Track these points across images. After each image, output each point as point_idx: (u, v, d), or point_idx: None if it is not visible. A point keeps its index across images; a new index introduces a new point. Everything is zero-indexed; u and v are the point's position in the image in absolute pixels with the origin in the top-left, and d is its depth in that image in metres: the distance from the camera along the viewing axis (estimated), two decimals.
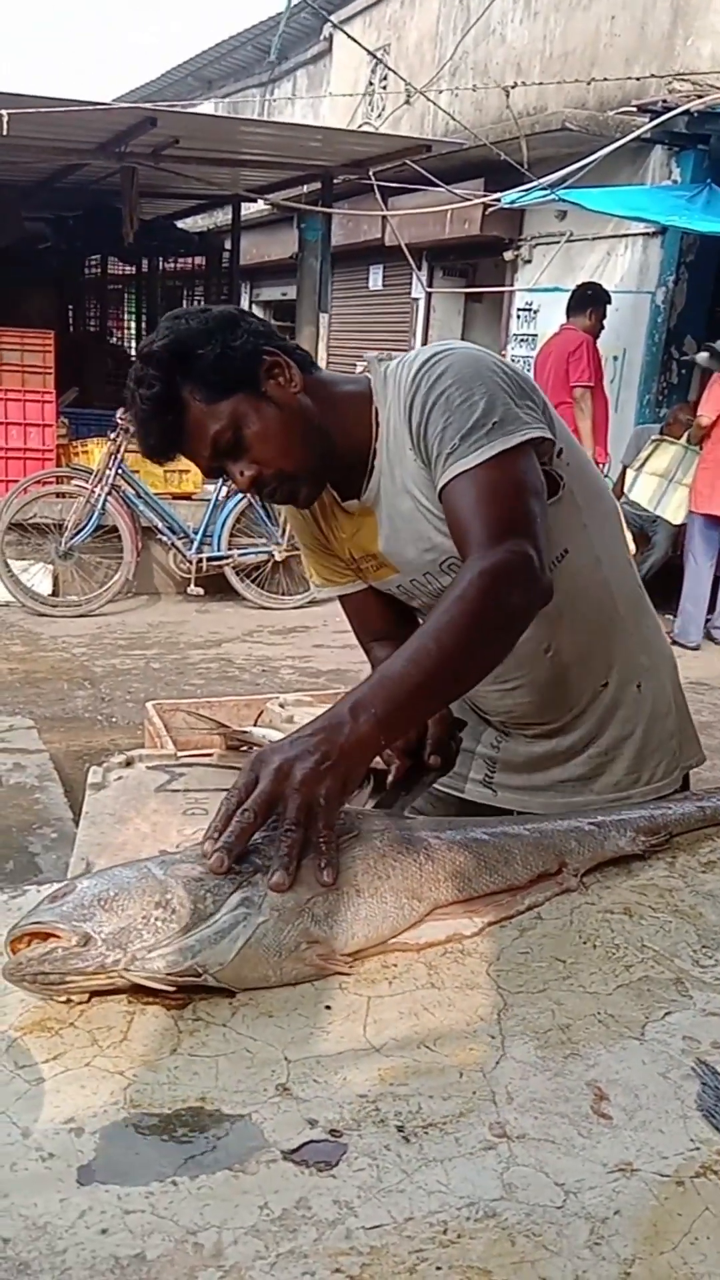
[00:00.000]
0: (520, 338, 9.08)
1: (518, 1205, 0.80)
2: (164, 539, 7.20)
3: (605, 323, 6.84)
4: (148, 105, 7.33)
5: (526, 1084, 0.94)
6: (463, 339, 10.82)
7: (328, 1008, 1.04)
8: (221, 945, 1.02)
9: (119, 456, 6.93)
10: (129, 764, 2.97)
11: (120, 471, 6.95)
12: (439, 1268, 0.74)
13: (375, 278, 11.54)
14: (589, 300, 6.78)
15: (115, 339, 12.98)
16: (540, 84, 8.55)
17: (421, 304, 10.78)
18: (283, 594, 7.44)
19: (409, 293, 10.98)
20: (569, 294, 6.96)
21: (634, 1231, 0.78)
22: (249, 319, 1.45)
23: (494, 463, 1.33)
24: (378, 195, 7.81)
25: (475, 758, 1.73)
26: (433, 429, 1.38)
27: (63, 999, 1.02)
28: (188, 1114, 0.89)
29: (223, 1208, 0.79)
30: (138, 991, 1.04)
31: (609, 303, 6.83)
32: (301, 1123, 0.88)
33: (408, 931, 1.15)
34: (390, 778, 1.47)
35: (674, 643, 6.56)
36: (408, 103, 9.84)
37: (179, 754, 3.12)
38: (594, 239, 8.20)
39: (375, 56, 9.90)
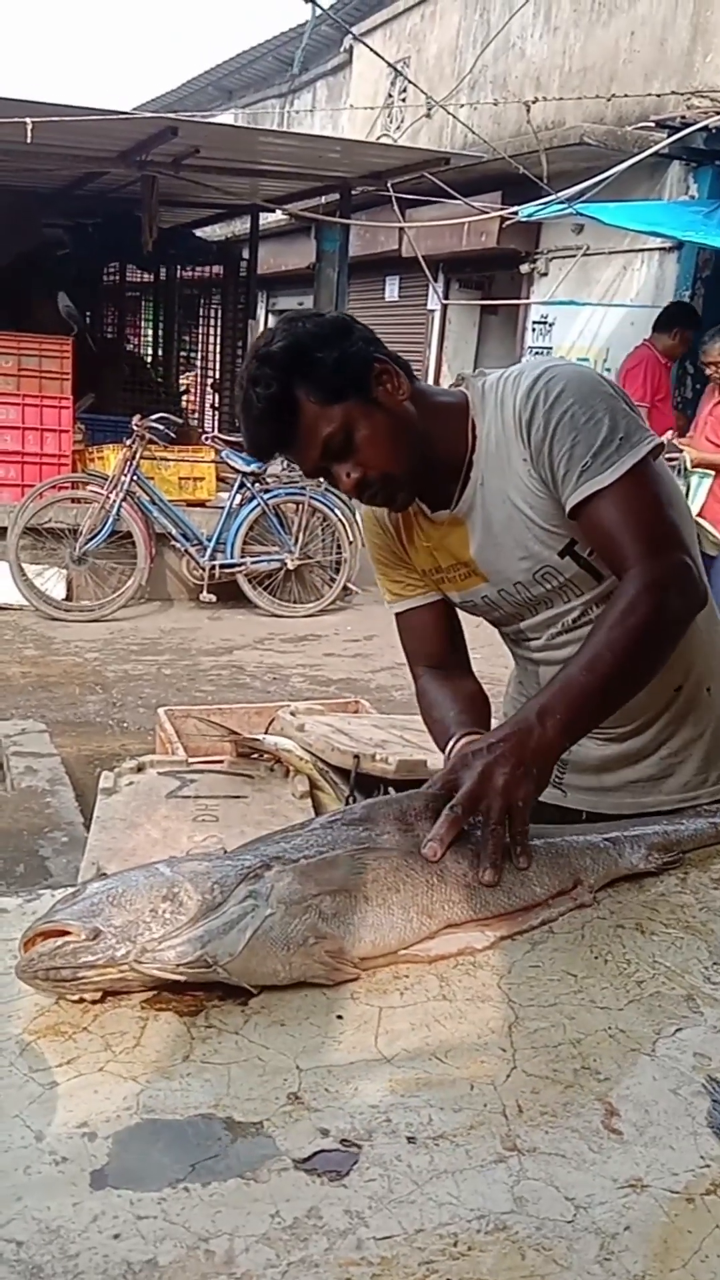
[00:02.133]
0: (535, 350, 9.09)
1: (528, 1219, 0.80)
2: (177, 545, 7.22)
3: (688, 344, 6.60)
4: (169, 115, 7.38)
5: (537, 1098, 0.94)
6: (478, 352, 10.85)
7: (339, 1017, 1.04)
8: (230, 936, 1.03)
9: (134, 463, 6.96)
10: (140, 770, 2.98)
11: (135, 478, 6.98)
12: (449, 1279, 0.74)
13: (392, 289, 11.57)
14: (674, 319, 6.62)
15: (132, 346, 13.03)
16: (559, 99, 8.57)
17: (437, 316, 10.80)
18: (294, 602, 7.45)
19: (425, 304, 11.00)
20: (658, 313, 6.77)
21: (644, 1248, 0.78)
22: (359, 326, 1.50)
23: (629, 477, 1.41)
24: (395, 207, 7.83)
25: None
26: (559, 447, 1.44)
27: (75, 998, 1.03)
28: (200, 1121, 0.89)
29: (234, 1215, 0.79)
30: (150, 999, 1.05)
31: (697, 326, 6.60)
32: (313, 1131, 0.88)
33: (419, 944, 1.15)
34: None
35: None
36: (427, 115, 9.88)
37: (190, 760, 3.13)
38: (610, 253, 8.21)
39: (395, 69, 9.92)
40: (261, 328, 13.13)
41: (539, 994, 1.10)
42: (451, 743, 1.54)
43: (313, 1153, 0.86)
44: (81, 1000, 1.03)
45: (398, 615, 1.76)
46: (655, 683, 1.57)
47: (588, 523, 1.45)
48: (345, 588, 7.59)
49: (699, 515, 6.32)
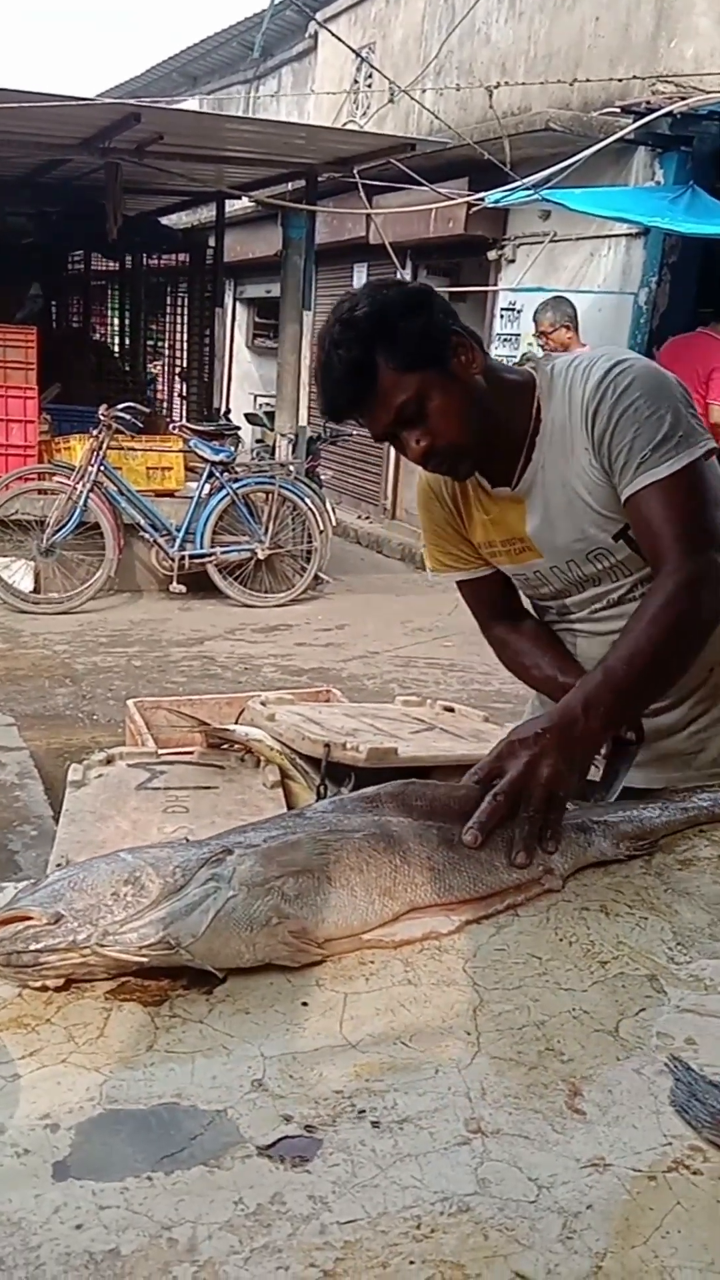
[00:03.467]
0: (504, 337, 9.09)
1: (491, 1200, 0.81)
2: (146, 536, 7.18)
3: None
4: (131, 101, 7.30)
5: (501, 1080, 0.94)
6: None
7: (304, 1004, 1.04)
8: (193, 918, 1.03)
9: (101, 453, 6.91)
10: (110, 762, 2.96)
11: (102, 468, 6.93)
12: (412, 1262, 0.74)
13: (360, 276, 11.51)
14: None
15: (98, 336, 12.92)
16: (524, 84, 8.56)
17: None
18: (265, 592, 7.43)
19: None
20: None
21: (606, 1226, 0.79)
22: (439, 298, 1.55)
23: (682, 474, 1.48)
24: (362, 193, 7.80)
25: None
26: (620, 437, 1.51)
27: (38, 985, 1.02)
28: (163, 1110, 0.89)
29: (197, 1203, 0.79)
30: (114, 990, 1.04)
31: None
32: (277, 1118, 0.88)
33: (384, 928, 1.15)
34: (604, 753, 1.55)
35: None
36: (391, 101, 9.83)
37: (160, 752, 3.11)
38: (577, 239, 8.21)
39: (359, 55, 9.88)
40: (229, 316, 13.09)
41: (504, 977, 1.10)
42: (562, 687, 1.60)
43: (276, 1139, 0.86)
44: (45, 989, 1.03)
45: (459, 584, 1.84)
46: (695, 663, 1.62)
47: (636, 512, 1.52)
48: (316, 577, 7.59)
49: None
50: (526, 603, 1.87)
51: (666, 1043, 1.01)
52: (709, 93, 6.96)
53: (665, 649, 1.45)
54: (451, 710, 3.32)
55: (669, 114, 6.81)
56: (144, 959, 1.02)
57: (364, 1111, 0.89)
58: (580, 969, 1.12)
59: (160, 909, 1.03)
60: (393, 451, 8.88)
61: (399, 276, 10.13)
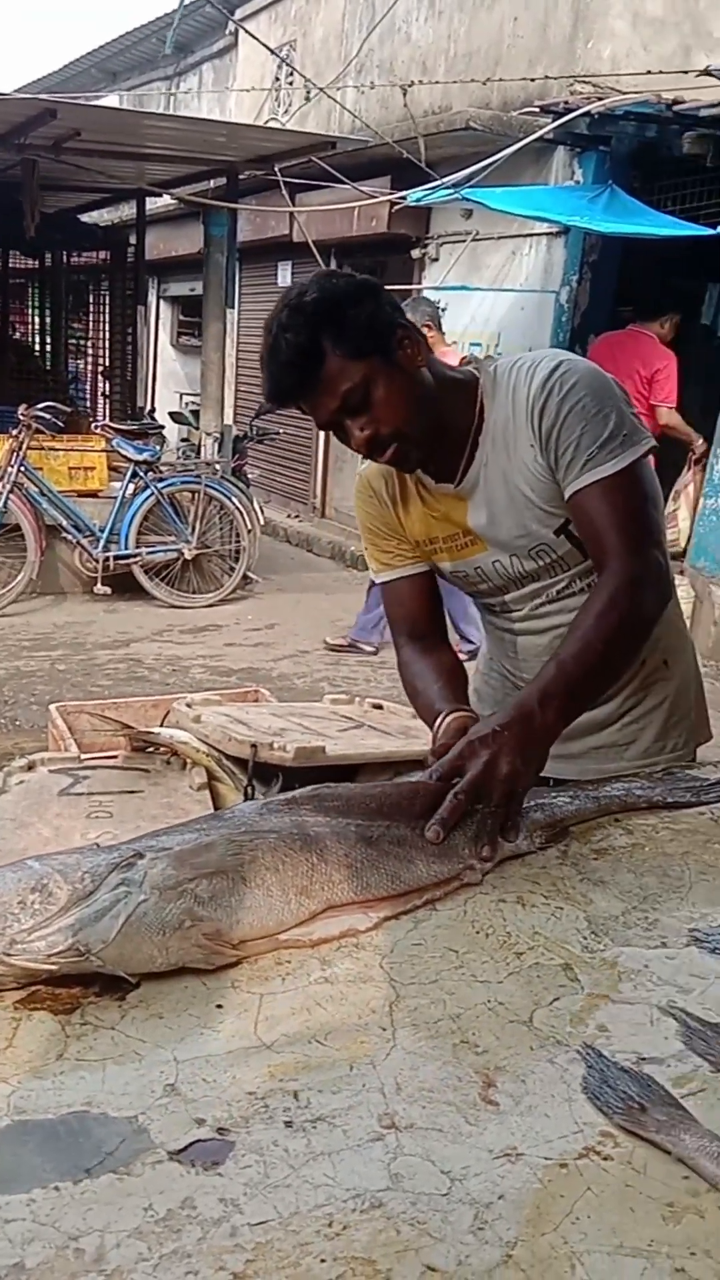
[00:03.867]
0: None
1: (403, 1194, 0.81)
2: (69, 537, 7.07)
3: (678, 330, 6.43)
4: (46, 97, 7.19)
5: (416, 1074, 0.95)
6: None
7: (219, 1006, 1.03)
8: (102, 923, 1.02)
9: (21, 453, 6.79)
10: (31, 768, 2.90)
11: (22, 468, 6.81)
12: (323, 1260, 0.74)
13: (284, 274, 11.48)
14: (661, 306, 6.44)
15: (18, 335, 12.70)
16: (444, 83, 8.61)
17: None
18: (193, 592, 7.37)
19: None
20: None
21: (517, 1214, 0.79)
22: (386, 292, 1.57)
23: (626, 472, 1.53)
24: (284, 191, 7.77)
25: None
26: (567, 433, 1.54)
27: None
28: (72, 1119, 0.87)
29: (106, 1211, 0.78)
30: (24, 999, 1.02)
31: (683, 309, 6.50)
32: (189, 1122, 0.87)
33: (301, 927, 1.15)
34: None
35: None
36: (306, 99, 9.81)
37: (83, 757, 3.06)
38: (499, 238, 8.28)
39: (276, 54, 9.84)
40: (153, 314, 12.95)
41: (420, 971, 1.10)
42: (440, 720, 1.63)
43: (188, 1143, 0.85)
44: None
45: (383, 585, 1.84)
46: None
47: (580, 508, 1.56)
48: (245, 576, 7.54)
49: None
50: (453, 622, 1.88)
51: (580, 1031, 1.02)
52: (625, 93, 7.06)
53: (613, 644, 1.50)
54: (380, 707, 3.32)
55: (587, 114, 6.88)
56: (53, 967, 1.00)
57: (277, 1112, 0.89)
58: (496, 961, 1.13)
59: (69, 916, 1.01)
60: (321, 450, 8.82)
61: None
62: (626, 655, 1.57)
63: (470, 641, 6.19)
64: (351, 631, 6.43)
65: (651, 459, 1.60)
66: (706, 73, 6.60)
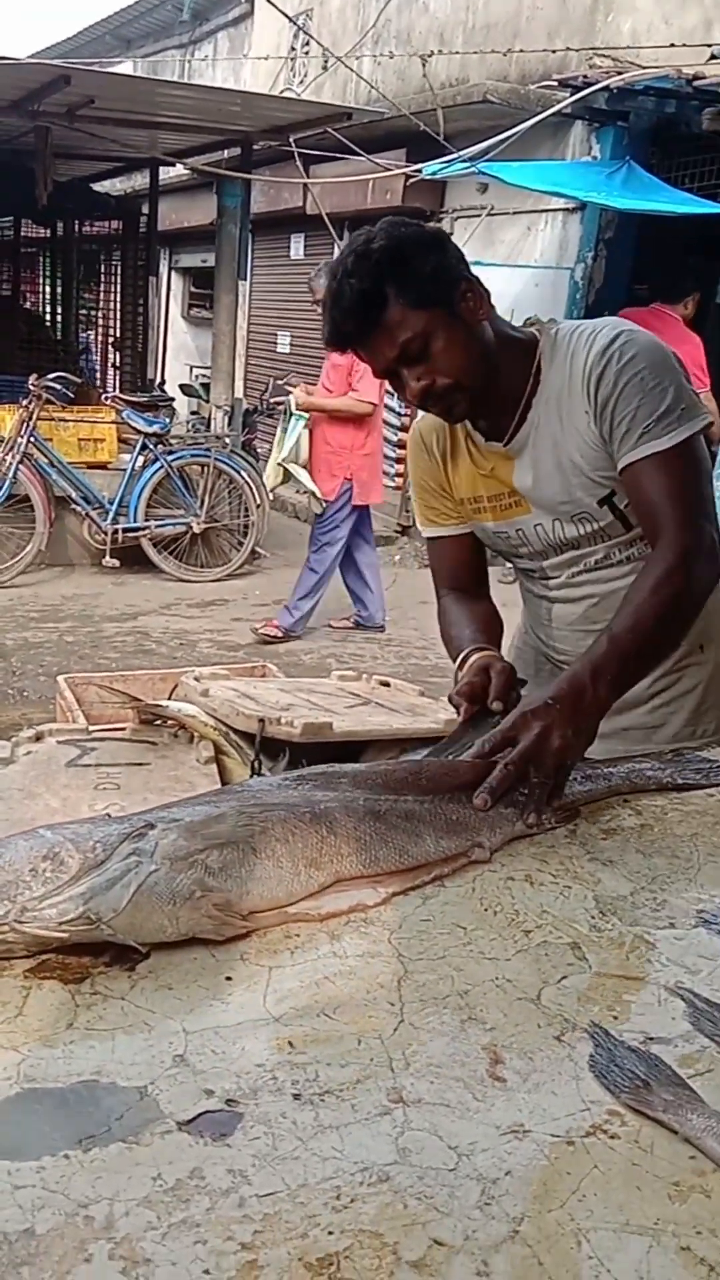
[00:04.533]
0: None
1: (410, 1169, 0.81)
2: (78, 509, 7.06)
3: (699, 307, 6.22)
4: (61, 63, 7.11)
5: (424, 1049, 0.95)
6: None
7: (228, 978, 1.04)
8: (113, 892, 1.02)
9: (31, 424, 6.78)
10: (39, 739, 2.90)
11: (32, 439, 6.80)
12: (330, 1232, 0.75)
13: (297, 247, 11.41)
14: (682, 286, 6.16)
15: (29, 304, 12.65)
16: (462, 54, 8.51)
17: None
18: (201, 566, 7.36)
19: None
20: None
21: (524, 1191, 0.80)
22: (453, 244, 1.57)
23: (683, 445, 1.53)
24: (298, 163, 7.70)
25: None
26: (624, 404, 1.54)
27: None
28: (82, 1088, 0.88)
29: (115, 1180, 0.78)
30: (34, 968, 1.03)
31: (707, 284, 6.29)
32: (198, 1093, 0.88)
33: (310, 900, 1.15)
34: (460, 719, 1.57)
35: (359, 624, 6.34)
36: (324, 68, 9.70)
37: (90, 728, 3.07)
38: (514, 213, 8.21)
39: (294, 22, 9.73)
40: (164, 285, 12.88)
41: (428, 947, 1.10)
42: (462, 655, 1.66)
43: (197, 1114, 0.85)
44: None
45: (429, 540, 1.86)
46: None
47: (635, 481, 1.56)
48: (253, 551, 7.53)
49: (302, 465, 6.05)
50: (494, 577, 1.88)
51: (587, 1009, 1.02)
52: (645, 68, 6.97)
53: (666, 619, 1.50)
54: (387, 685, 3.32)
55: (606, 88, 6.80)
56: (64, 935, 1.01)
57: (286, 1084, 0.89)
58: (504, 938, 1.13)
59: (80, 884, 1.01)
60: None
61: (335, 247, 10.06)
62: (678, 631, 1.57)
63: (296, 612, 6.09)
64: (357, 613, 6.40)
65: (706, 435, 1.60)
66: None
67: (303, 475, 6.07)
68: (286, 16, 9.08)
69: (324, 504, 5.97)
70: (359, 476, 5.94)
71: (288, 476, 6.13)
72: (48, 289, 12.51)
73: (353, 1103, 0.88)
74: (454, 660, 1.71)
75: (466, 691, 1.57)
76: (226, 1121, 0.85)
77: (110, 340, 11.70)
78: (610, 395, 1.55)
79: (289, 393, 6.15)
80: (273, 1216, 0.76)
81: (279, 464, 6.11)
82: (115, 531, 7.04)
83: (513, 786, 1.34)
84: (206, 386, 8.92)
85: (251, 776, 2.68)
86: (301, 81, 11.04)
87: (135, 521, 7.10)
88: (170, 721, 3.05)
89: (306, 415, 5.94)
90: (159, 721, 3.06)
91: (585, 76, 7.02)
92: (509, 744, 1.37)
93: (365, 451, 5.96)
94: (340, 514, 5.97)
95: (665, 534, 1.53)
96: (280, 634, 6.05)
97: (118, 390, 9.17)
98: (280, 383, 6.87)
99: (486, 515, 1.76)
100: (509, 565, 1.89)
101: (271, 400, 7.29)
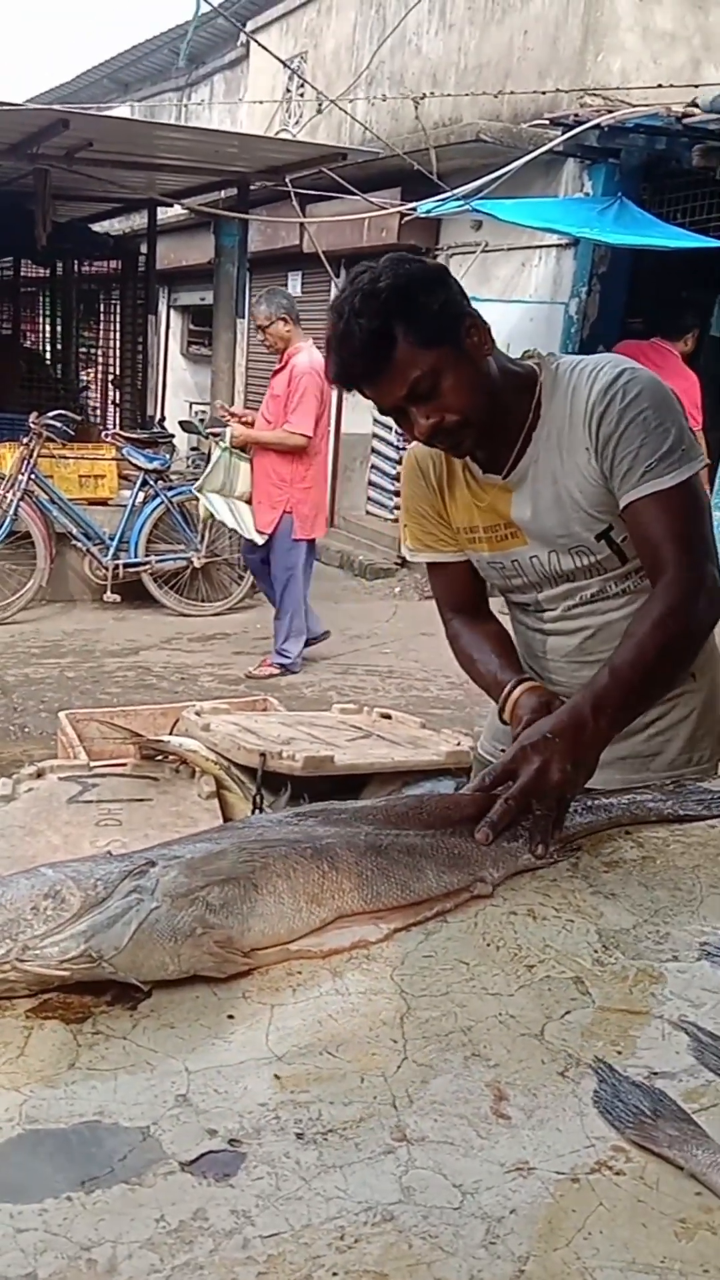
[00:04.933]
0: None
1: (415, 1208, 0.80)
2: (79, 545, 7.09)
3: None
4: (59, 107, 7.23)
5: (427, 1087, 0.94)
6: None
7: (230, 1017, 1.03)
8: (115, 930, 1.02)
9: (32, 461, 6.82)
10: (40, 775, 2.91)
11: (33, 476, 6.84)
12: (335, 1274, 0.74)
13: (294, 284, 11.54)
14: (682, 323, 6.25)
15: (29, 343, 12.76)
16: (455, 95, 8.64)
17: None
18: (202, 601, 7.38)
19: (328, 300, 10.97)
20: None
21: (529, 1229, 0.79)
22: (454, 279, 1.59)
23: (684, 485, 1.54)
24: (295, 202, 7.81)
25: None
26: (627, 443, 1.55)
27: None
28: (84, 1129, 0.87)
29: (118, 1222, 0.78)
30: (36, 1008, 1.02)
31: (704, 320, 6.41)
32: (201, 1133, 0.87)
33: (312, 938, 1.15)
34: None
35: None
36: (318, 111, 9.85)
37: (92, 764, 3.07)
38: (509, 250, 8.31)
39: (288, 66, 9.88)
40: (163, 323, 13.00)
41: (431, 983, 1.10)
42: (510, 691, 1.66)
43: (200, 1154, 0.85)
44: None
45: (430, 566, 1.87)
46: None
47: (638, 519, 1.57)
48: (254, 585, 7.54)
49: (239, 498, 6.01)
50: (494, 603, 1.89)
51: (591, 1044, 1.01)
52: (635, 106, 7.08)
53: (667, 654, 1.52)
54: (388, 717, 3.32)
55: (597, 126, 6.91)
56: (65, 973, 1.01)
57: (289, 1123, 0.89)
58: (507, 973, 1.13)
59: (81, 922, 1.01)
60: (330, 459, 8.72)
61: (332, 285, 10.17)
62: (678, 667, 1.59)
63: (286, 655, 6.02)
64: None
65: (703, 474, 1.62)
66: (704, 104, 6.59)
67: (219, 505, 6.02)
68: (281, 61, 9.22)
69: (262, 537, 5.91)
70: (299, 510, 5.83)
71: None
72: (48, 328, 12.63)
73: (356, 1141, 0.87)
74: (490, 689, 1.73)
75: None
76: (230, 1162, 0.84)
77: (110, 378, 11.80)
78: (613, 433, 1.56)
79: (227, 423, 6.13)
80: (277, 1258, 0.75)
81: (195, 491, 6.13)
82: (116, 567, 7.06)
83: (514, 821, 1.34)
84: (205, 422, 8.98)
85: (253, 811, 2.68)
86: (297, 123, 11.20)
87: (136, 557, 7.12)
88: (172, 757, 3.06)
89: (234, 449, 5.93)
90: (160, 757, 3.06)
91: (576, 115, 7.14)
92: (510, 777, 1.38)
93: (305, 485, 5.85)
94: (284, 544, 5.88)
95: (668, 572, 1.54)
96: (279, 672, 6.05)
97: (118, 427, 9.23)
98: (218, 414, 6.82)
99: (482, 545, 1.76)
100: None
101: (208, 431, 7.30)
